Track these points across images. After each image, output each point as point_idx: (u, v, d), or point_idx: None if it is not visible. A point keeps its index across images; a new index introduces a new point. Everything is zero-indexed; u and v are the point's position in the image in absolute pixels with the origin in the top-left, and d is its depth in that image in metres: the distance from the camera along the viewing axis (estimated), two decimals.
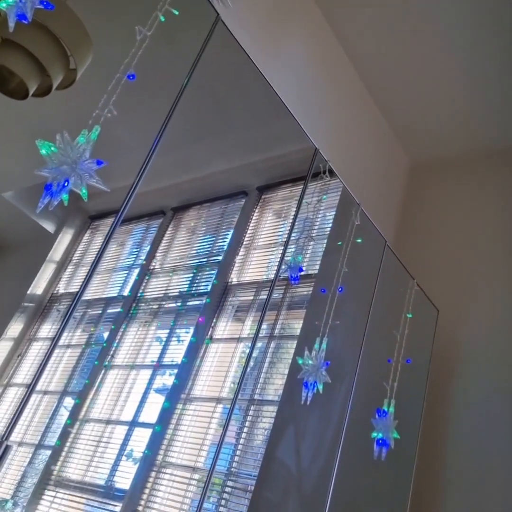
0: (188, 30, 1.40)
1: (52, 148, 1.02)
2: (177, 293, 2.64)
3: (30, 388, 1.10)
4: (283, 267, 1.75)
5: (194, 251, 2.78)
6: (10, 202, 2.99)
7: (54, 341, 1.14)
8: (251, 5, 2.20)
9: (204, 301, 2.54)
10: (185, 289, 2.64)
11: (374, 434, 1.98)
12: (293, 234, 1.97)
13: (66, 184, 1.03)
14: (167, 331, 2.56)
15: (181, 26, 1.32)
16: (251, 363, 2.38)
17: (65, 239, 3.23)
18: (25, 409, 1.17)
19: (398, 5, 2.94)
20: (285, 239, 2.65)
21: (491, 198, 3.49)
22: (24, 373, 2.69)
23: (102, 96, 1.13)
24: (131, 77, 1.17)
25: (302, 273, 1.78)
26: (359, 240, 2.06)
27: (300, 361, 1.69)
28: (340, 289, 1.89)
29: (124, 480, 1.93)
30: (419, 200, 3.69)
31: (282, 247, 2.64)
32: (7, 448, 0.90)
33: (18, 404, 1.07)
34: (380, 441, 1.95)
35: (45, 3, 1.02)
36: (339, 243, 2.02)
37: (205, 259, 2.70)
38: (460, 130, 3.64)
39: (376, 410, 2.00)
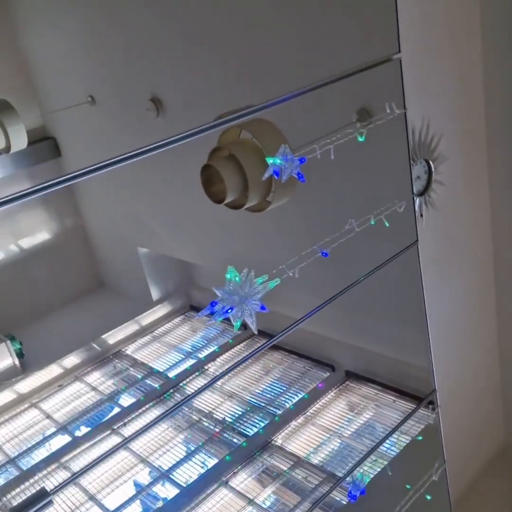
0: (385, 236, 1.50)
1: (237, 278, 1.12)
2: (220, 419, 2.58)
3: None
4: (348, 479, 1.65)
5: (259, 390, 2.74)
6: (139, 257, 3.24)
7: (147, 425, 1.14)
8: (439, 234, 2.32)
9: (240, 442, 2.45)
10: (230, 420, 2.58)
11: None
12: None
13: (229, 311, 1.11)
14: (192, 448, 2.48)
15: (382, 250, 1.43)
16: None
17: (159, 311, 3.38)
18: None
19: None
20: (345, 434, 2.52)
21: None
22: (53, 403, 2.71)
23: (293, 257, 1.23)
24: (325, 254, 1.28)
25: (362, 495, 1.66)
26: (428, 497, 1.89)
27: None
28: None
29: None
30: (498, 484, 3.36)
31: (338, 440, 2.51)
32: (49, 503, 0.89)
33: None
34: None
35: (301, 177, 1.20)
36: (408, 487, 1.87)
37: (263, 403, 2.65)
38: None
39: None
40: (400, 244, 1.56)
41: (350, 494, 1.63)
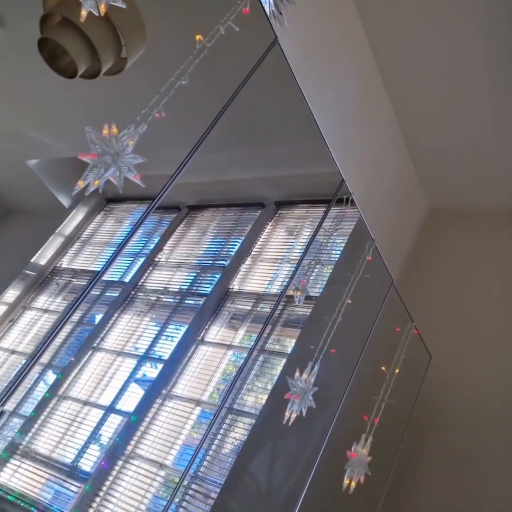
0: (244, 45, 1.43)
1: (99, 137, 1.04)
2: (177, 290, 2.64)
3: (34, 360, 1.11)
4: (291, 286, 1.77)
5: (202, 252, 2.79)
6: (32, 171, 3.01)
7: (67, 317, 1.14)
8: (306, 29, 2.23)
9: (202, 302, 2.55)
10: (186, 287, 2.64)
11: (347, 466, 1.97)
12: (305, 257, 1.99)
13: (105, 173, 1.06)
14: (161, 324, 2.57)
15: (239, 40, 1.36)
16: (234, 372, 2.39)
17: (78, 216, 3.24)
18: (25, 379, 1.17)
19: (446, 58, 2.98)
20: (292, 257, 2.67)
21: (500, 256, 3.49)
22: (12, 339, 2.69)
23: (153, 96, 1.15)
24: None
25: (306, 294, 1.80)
26: (367, 276, 2.08)
27: (290, 382, 1.69)
28: None
29: (91, 463, 1.93)
30: (431, 245, 3.70)
31: (288, 264, 2.66)
32: (1, 414, 0.90)
33: (17, 373, 1.07)
34: (352, 474, 1.94)
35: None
36: (348, 274, 2.03)
37: (211, 261, 2.71)
38: (484, 185, 3.65)
39: (354, 443, 2.00)
40: (263, 49, 1.49)
41: (298, 299, 1.76)
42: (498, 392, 2.86)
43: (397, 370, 2.26)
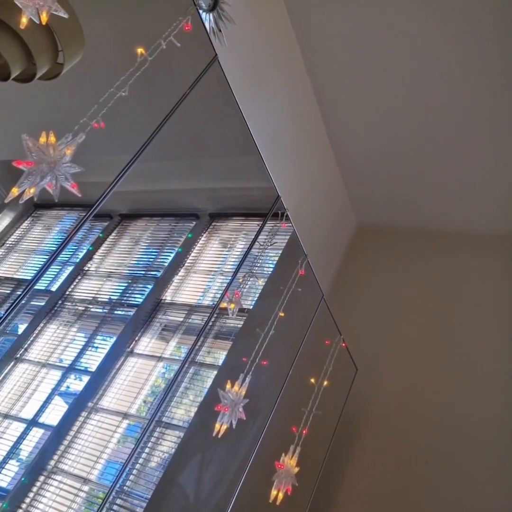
0: (185, 60, 1.45)
1: (36, 145, 1.01)
2: (106, 300, 2.58)
3: None
4: (225, 298, 1.78)
5: (134, 262, 2.75)
6: None
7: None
8: (244, 47, 2.28)
9: (133, 312, 2.51)
10: (116, 297, 2.59)
11: (275, 478, 1.98)
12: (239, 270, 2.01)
13: (41, 181, 1.03)
14: (88, 335, 2.50)
15: (179, 55, 1.37)
16: (163, 384, 2.36)
17: (3, 221, 3.11)
18: None
19: (379, 79, 3.12)
20: (225, 269, 2.68)
21: (423, 272, 3.67)
22: None
23: (92, 105, 1.15)
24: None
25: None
26: (299, 289, 2.14)
27: (221, 394, 1.69)
28: None
29: (9, 479, 1.84)
30: (359, 261, 3.84)
31: (221, 276, 2.67)
32: None
33: None
34: (279, 485, 1.95)
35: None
36: (281, 287, 2.08)
37: (143, 272, 2.68)
38: (410, 206, 3.84)
39: (282, 454, 2.02)
40: (202, 65, 1.52)
41: (231, 312, 1.78)
42: (419, 402, 2.99)
43: (325, 382, 2.31)
